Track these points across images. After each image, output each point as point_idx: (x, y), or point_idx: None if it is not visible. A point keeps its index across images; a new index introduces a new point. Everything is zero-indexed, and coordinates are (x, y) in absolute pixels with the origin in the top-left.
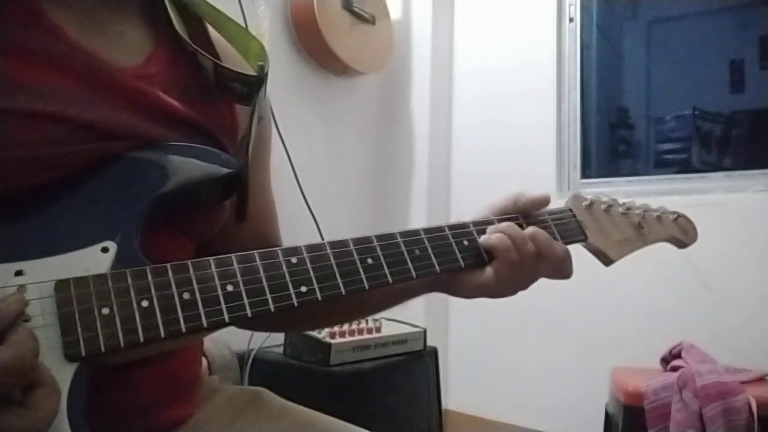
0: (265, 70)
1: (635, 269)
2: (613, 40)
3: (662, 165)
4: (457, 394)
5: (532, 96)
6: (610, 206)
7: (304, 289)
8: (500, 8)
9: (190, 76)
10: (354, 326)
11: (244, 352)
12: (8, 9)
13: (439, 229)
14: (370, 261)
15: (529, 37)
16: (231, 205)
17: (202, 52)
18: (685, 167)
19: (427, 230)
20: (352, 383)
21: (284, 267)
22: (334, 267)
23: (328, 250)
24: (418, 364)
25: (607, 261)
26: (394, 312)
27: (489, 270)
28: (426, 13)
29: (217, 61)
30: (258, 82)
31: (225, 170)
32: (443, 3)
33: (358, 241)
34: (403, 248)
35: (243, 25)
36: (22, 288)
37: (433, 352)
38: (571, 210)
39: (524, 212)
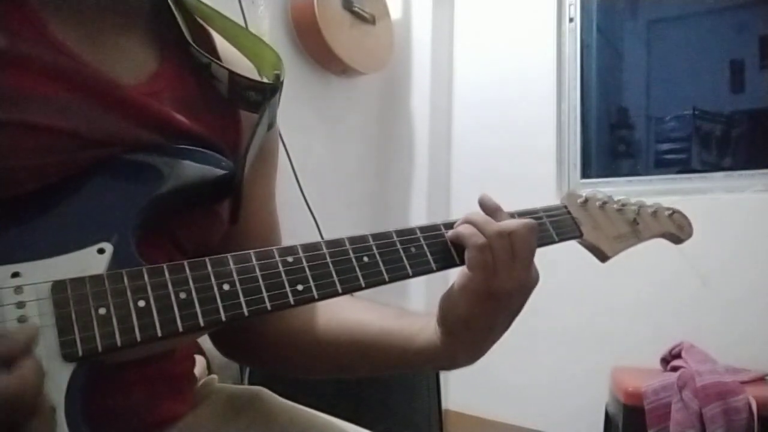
0: (281, 79)
1: (635, 270)
2: (613, 40)
3: (662, 165)
4: (457, 394)
5: (532, 96)
6: (605, 203)
7: (300, 287)
8: (500, 8)
9: (196, 89)
10: None
11: None
12: (9, 22)
13: (435, 227)
14: (366, 259)
15: (529, 37)
16: (227, 212)
17: (218, 62)
18: (685, 167)
19: (422, 228)
20: (352, 383)
21: (280, 266)
22: (331, 266)
23: (324, 249)
24: None
25: (602, 257)
26: None
27: (464, 270)
28: (426, 13)
29: (233, 70)
30: (272, 90)
31: (220, 171)
32: (443, 3)
33: (353, 240)
34: (399, 246)
35: (243, 25)
36: (19, 289)
37: None
38: (566, 207)
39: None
